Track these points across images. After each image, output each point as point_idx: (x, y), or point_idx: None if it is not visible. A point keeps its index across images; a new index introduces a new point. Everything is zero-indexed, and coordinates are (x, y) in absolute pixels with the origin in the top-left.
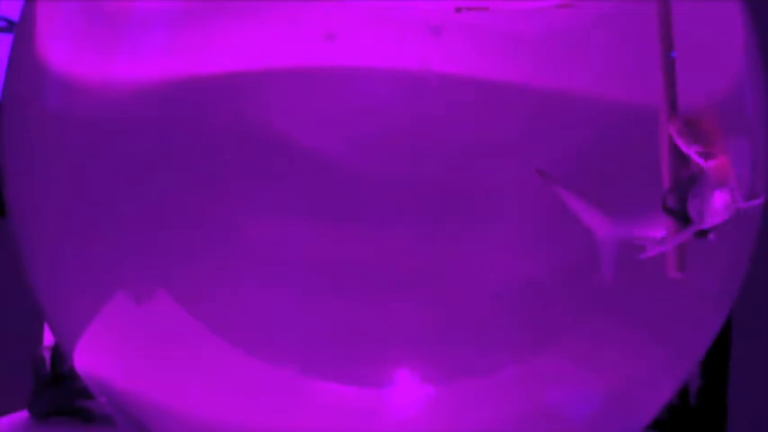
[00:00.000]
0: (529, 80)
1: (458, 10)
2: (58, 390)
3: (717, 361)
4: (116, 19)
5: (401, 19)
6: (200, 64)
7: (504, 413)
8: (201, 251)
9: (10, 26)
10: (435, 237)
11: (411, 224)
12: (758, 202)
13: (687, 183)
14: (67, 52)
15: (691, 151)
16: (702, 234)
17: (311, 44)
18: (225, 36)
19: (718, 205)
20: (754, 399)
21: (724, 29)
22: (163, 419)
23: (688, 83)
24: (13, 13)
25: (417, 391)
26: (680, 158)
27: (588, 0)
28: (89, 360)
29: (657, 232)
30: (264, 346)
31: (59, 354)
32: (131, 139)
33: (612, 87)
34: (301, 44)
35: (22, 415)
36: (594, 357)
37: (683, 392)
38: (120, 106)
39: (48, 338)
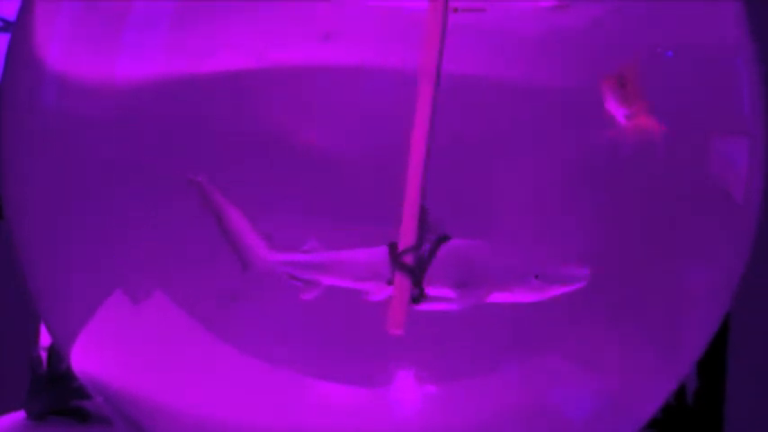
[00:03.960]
0: (526, 80)
1: (455, 11)
2: (55, 390)
3: (714, 361)
4: (115, 18)
5: (402, 18)
6: (201, 63)
7: (503, 413)
8: (201, 251)
9: (7, 26)
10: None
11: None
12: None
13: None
14: (65, 51)
15: (620, 113)
16: (418, 298)
17: (312, 43)
18: (225, 35)
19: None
20: (752, 399)
21: (722, 28)
22: (160, 420)
23: (686, 82)
24: (10, 12)
25: (417, 391)
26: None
27: (585, 1)
28: (86, 360)
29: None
30: (264, 346)
31: (56, 354)
32: (130, 139)
33: None
34: (302, 43)
35: (19, 415)
36: (592, 357)
37: (680, 392)
38: (119, 106)
39: (44, 338)
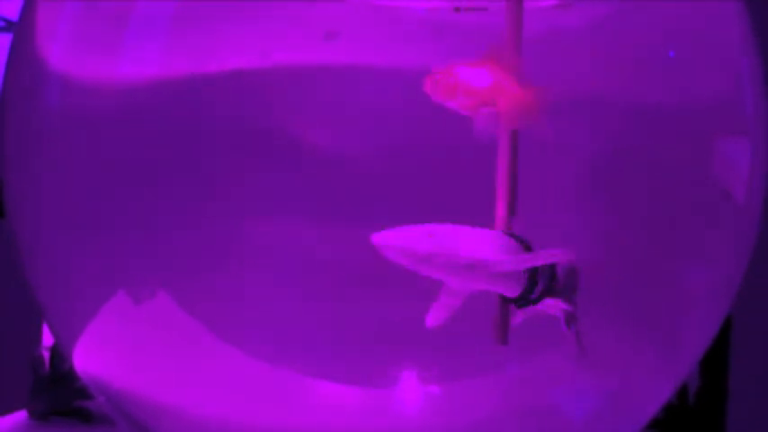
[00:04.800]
0: (527, 80)
1: (457, 10)
2: (57, 390)
3: (716, 361)
4: (117, 17)
5: (404, 18)
6: (202, 63)
7: (503, 413)
8: (202, 251)
9: (9, 26)
10: None
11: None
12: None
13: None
14: (67, 51)
15: (455, 105)
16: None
17: (313, 43)
18: (226, 35)
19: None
20: (754, 399)
21: (723, 28)
22: (162, 420)
23: (687, 82)
24: (13, 12)
25: (418, 391)
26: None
27: (585, 1)
28: (88, 360)
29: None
30: (265, 346)
31: (59, 353)
32: (132, 139)
33: (612, 87)
34: (303, 43)
35: (21, 415)
36: (593, 357)
37: (682, 392)
38: (120, 105)
39: (47, 338)
